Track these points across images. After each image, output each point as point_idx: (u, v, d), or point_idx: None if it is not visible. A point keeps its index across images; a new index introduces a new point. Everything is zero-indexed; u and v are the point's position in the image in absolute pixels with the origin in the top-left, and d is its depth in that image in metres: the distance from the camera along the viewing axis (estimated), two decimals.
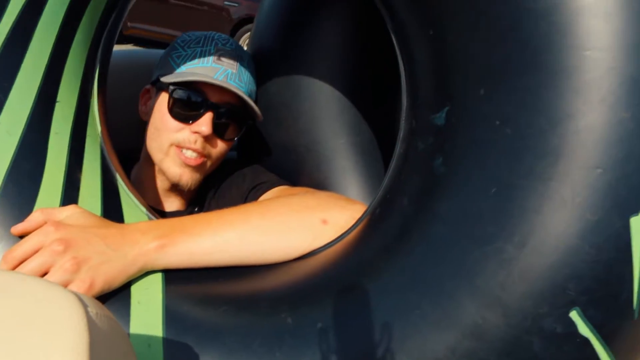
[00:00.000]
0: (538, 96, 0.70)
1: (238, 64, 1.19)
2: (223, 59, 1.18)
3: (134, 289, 0.78)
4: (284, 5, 1.34)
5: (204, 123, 1.13)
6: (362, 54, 1.30)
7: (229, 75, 1.16)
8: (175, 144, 1.15)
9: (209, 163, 1.19)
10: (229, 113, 1.17)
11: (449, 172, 0.76)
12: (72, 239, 0.76)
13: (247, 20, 7.22)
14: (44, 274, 0.74)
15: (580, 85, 0.68)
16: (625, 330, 0.69)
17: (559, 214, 0.68)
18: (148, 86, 1.25)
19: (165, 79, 1.16)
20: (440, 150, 0.77)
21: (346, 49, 1.29)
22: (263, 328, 0.76)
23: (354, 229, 0.88)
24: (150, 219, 0.89)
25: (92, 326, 0.49)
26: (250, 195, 1.19)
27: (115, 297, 0.77)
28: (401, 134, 0.85)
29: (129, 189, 0.90)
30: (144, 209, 0.90)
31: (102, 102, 0.92)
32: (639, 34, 0.67)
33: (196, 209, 1.25)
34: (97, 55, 0.91)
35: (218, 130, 1.17)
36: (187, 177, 1.17)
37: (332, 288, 0.79)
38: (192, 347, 0.76)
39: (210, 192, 1.25)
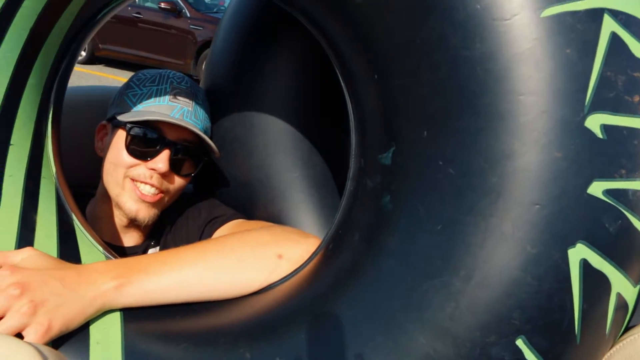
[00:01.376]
0: (477, 138, 0.74)
1: (193, 102, 1.22)
2: (179, 97, 1.20)
3: (93, 329, 0.79)
4: (237, 41, 1.36)
5: (161, 160, 1.15)
6: (314, 89, 1.34)
7: (185, 112, 1.18)
8: (131, 177, 1.16)
9: (166, 198, 1.21)
10: (186, 150, 1.19)
11: (396, 210, 0.79)
12: (28, 282, 0.76)
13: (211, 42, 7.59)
14: (0, 318, 0.74)
15: (516, 127, 0.72)
16: (569, 355, 0.74)
17: (501, 248, 0.72)
18: (104, 122, 1.26)
19: (122, 118, 1.18)
20: (388, 189, 0.81)
21: (298, 85, 1.32)
22: None
23: (309, 263, 0.91)
24: (107, 258, 0.90)
25: None
26: (206, 229, 1.21)
27: (74, 338, 0.78)
28: (351, 172, 0.89)
29: (85, 228, 0.91)
30: (101, 249, 0.91)
31: (56, 142, 0.93)
32: (568, 80, 0.72)
33: (152, 243, 1.26)
34: (51, 97, 0.92)
35: (175, 166, 1.19)
36: (144, 213, 1.18)
37: (289, 322, 0.81)
38: None
39: (166, 226, 1.27)
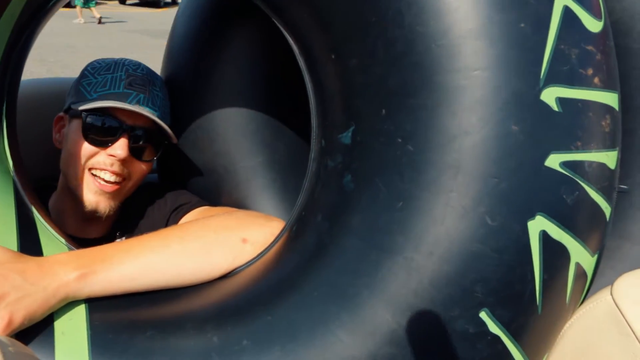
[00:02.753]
0: (434, 114, 0.75)
1: (150, 88, 1.20)
2: (134, 84, 1.18)
3: (57, 320, 0.78)
4: (195, 27, 1.35)
5: (120, 147, 1.14)
6: (274, 73, 1.33)
7: (141, 99, 1.17)
8: (90, 167, 1.15)
9: (127, 186, 1.19)
10: (144, 136, 1.18)
11: (357, 188, 0.80)
12: None
13: None
14: None
15: (472, 102, 0.73)
16: (532, 325, 0.75)
17: (462, 223, 0.73)
18: (61, 114, 1.24)
19: (77, 107, 1.16)
20: (349, 168, 0.81)
21: (258, 69, 1.32)
22: (190, 348, 0.77)
23: (273, 246, 0.91)
24: (70, 249, 0.89)
25: None
26: (171, 217, 1.20)
27: (38, 329, 0.77)
28: (312, 153, 0.89)
29: (46, 221, 0.90)
30: (63, 240, 0.90)
31: (12, 136, 0.92)
32: (522, 54, 0.73)
33: (118, 234, 1.25)
34: (4, 91, 0.90)
35: (135, 152, 1.17)
36: (104, 204, 1.17)
37: (255, 305, 0.81)
38: None
39: (132, 216, 1.25)
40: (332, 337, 0.75)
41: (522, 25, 0.73)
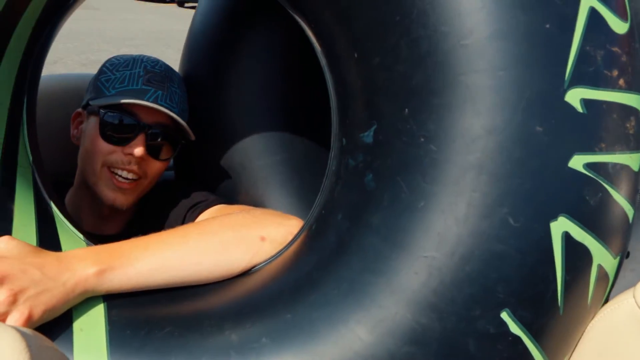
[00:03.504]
0: (458, 114, 0.75)
1: (168, 85, 1.20)
2: (152, 80, 1.18)
3: (76, 316, 0.78)
4: (214, 24, 1.35)
5: (137, 145, 1.14)
6: (293, 71, 1.33)
7: (159, 96, 1.17)
8: (108, 165, 1.15)
9: (144, 183, 1.20)
10: (162, 134, 1.18)
11: (379, 187, 0.80)
12: (6, 271, 0.75)
13: None
14: None
15: (497, 102, 0.73)
16: (553, 326, 0.75)
17: (484, 223, 0.73)
18: (79, 110, 1.24)
19: (95, 103, 1.16)
20: (370, 167, 0.81)
21: (277, 67, 1.32)
22: (208, 346, 0.77)
23: (292, 244, 0.91)
24: (88, 245, 0.89)
25: (34, 357, 0.49)
26: (188, 215, 1.20)
27: (57, 325, 0.77)
28: (332, 152, 0.89)
29: (65, 216, 0.90)
30: (81, 236, 0.89)
31: (32, 130, 0.92)
32: (547, 55, 0.73)
33: (135, 230, 1.25)
34: (25, 85, 0.90)
35: (152, 151, 1.18)
36: (121, 200, 1.17)
37: (275, 303, 0.81)
38: None
39: (149, 213, 1.26)
40: (352, 335, 0.75)
41: (548, 25, 0.73)
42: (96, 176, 1.16)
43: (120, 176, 1.15)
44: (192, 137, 1.23)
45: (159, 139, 1.18)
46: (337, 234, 0.82)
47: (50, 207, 0.88)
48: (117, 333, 0.77)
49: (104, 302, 0.80)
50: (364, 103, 0.82)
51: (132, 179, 1.16)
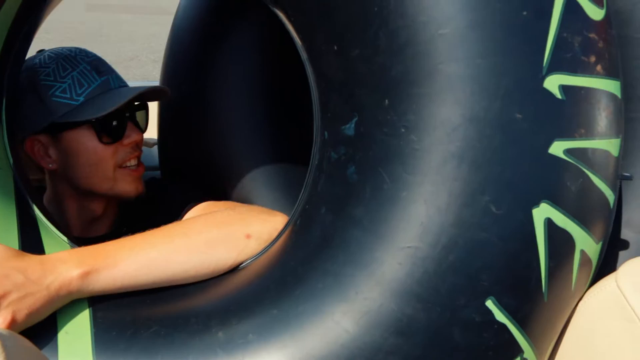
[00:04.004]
0: (437, 103, 0.74)
1: (106, 64, 1.21)
2: (101, 69, 1.18)
3: (60, 319, 0.78)
4: (198, 17, 1.36)
5: (132, 132, 1.17)
6: (276, 67, 1.33)
7: (115, 79, 1.19)
8: (119, 165, 1.17)
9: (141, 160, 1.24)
10: (142, 107, 1.22)
11: (361, 179, 0.79)
12: None
13: None
14: None
15: (476, 91, 0.73)
16: (538, 312, 0.75)
17: (467, 211, 0.73)
18: (31, 137, 1.16)
19: (79, 118, 1.12)
20: (352, 160, 0.81)
21: (260, 63, 1.32)
22: (195, 344, 0.77)
23: (277, 240, 0.90)
24: (73, 247, 0.89)
25: (10, 357, 0.49)
26: (174, 212, 1.20)
27: (41, 329, 0.77)
28: (315, 146, 0.88)
29: (47, 219, 0.89)
30: (65, 239, 0.89)
31: (12, 132, 0.91)
32: (525, 42, 0.73)
33: (124, 230, 1.24)
34: (3, 84, 0.89)
35: (140, 128, 1.22)
36: (140, 187, 1.21)
37: (260, 299, 0.81)
38: None
39: (137, 211, 1.26)
40: (338, 328, 0.75)
41: (525, 13, 0.73)
42: (111, 180, 1.17)
43: (131, 167, 1.19)
44: (168, 92, 1.25)
45: (142, 116, 1.22)
46: (321, 228, 0.82)
47: (33, 211, 0.87)
48: (102, 335, 0.77)
49: (89, 304, 0.80)
50: (345, 96, 0.82)
51: (138, 163, 1.20)
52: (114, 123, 1.14)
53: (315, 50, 0.86)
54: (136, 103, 1.20)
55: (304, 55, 0.88)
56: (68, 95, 1.13)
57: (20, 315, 0.74)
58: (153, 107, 1.33)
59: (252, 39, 1.30)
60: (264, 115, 1.31)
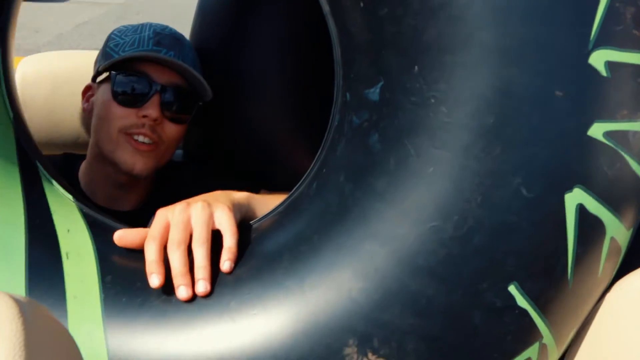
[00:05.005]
0: (472, 74, 0.69)
1: (179, 47, 1.16)
2: (163, 41, 1.14)
3: (68, 282, 0.75)
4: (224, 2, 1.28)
5: (151, 106, 1.10)
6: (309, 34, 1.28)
7: (172, 56, 1.13)
8: (124, 131, 1.11)
9: (161, 149, 1.15)
10: (177, 94, 1.14)
11: (385, 149, 0.75)
12: (188, 202, 0.82)
13: None
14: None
15: (515, 63, 0.67)
16: (561, 299, 0.72)
17: (496, 192, 0.69)
18: (89, 83, 1.23)
19: (104, 66, 1.13)
20: (376, 127, 0.76)
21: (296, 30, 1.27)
22: (207, 313, 0.75)
23: (289, 200, 0.87)
24: (78, 205, 0.85)
25: (28, 324, 0.47)
26: None
27: (50, 292, 0.75)
28: (335, 106, 0.83)
29: (51, 175, 0.85)
30: (70, 197, 0.85)
31: (11, 85, 0.85)
32: (573, 12, 0.67)
33: (151, 208, 1.21)
34: (3, 33, 0.83)
35: (167, 113, 1.13)
36: (141, 165, 1.13)
37: (274, 269, 0.78)
38: (135, 335, 0.75)
39: (169, 191, 1.20)
40: (354, 305, 0.73)
41: None
42: (113, 143, 1.12)
43: (136, 140, 1.12)
44: (210, 95, 1.18)
45: (174, 102, 1.14)
46: (339, 196, 0.78)
47: (37, 167, 0.83)
48: (111, 301, 0.75)
49: (97, 267, 0.77)
50: (371, 57, 0.76)
51: (149, 143, 1.12)
52: (135, 85, 1.11)
53: (339, 4, 0.79)
54: (171, 86, 1.13)
55: (325, 8, 0.81)
56: (117, 49, 1.15)
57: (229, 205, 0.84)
58: None
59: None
60: (303, 92, 1.25)
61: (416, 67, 0.72)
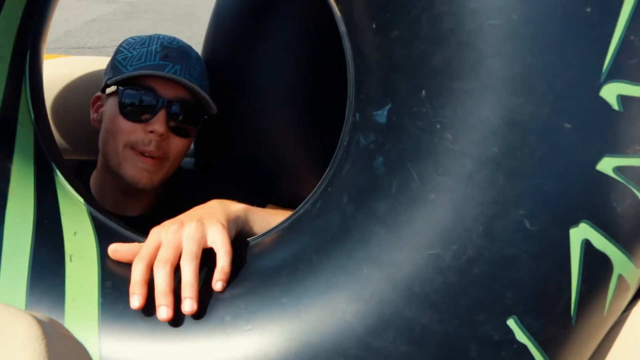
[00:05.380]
0: (479, 101, 0.68)
1: (186, 60, 1.18)
2: (170, 56, 1.16)
3: (69, 285, 0.77)
4: (237, 9, 1.29)
5: (158, 121, 1.12)
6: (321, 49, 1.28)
7: (178, 70, 1.15)
8: (130, 146, 1.13)
9: (167, 164, 1.17)
10: (183, 109, 1.15)
11: (389, 173, 0.74)
12: (181, 218, 0.82)
13: None
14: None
15: (523, 93, 0.66)
16: (563, 336, 0.70)
17: (498, 223, 0.67)
18: (98, 94, 1.24)
19: (112, 81, 1.15)
20: (381, 150, 0.75)
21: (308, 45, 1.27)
22: (202, 327, 0.75)
23: (293, 217, 0.86)
24: (88, 209, 0.86)
25: (51, 345, 0.48)
26: None
27: (49, 294, 0.76)
28: (345, 126, 0.83)
29: (67, 178, 0.87)
30: (81, 200, 0.87)
31: (36, 87, 0.88)
32: (586, 43, 0.65)
33: (160, 214, 1.23)
34: (29, 36, 0.86)
35: (173, 127, 1.15)
36: (146, 179, 1.15)
37: (271, 284, 0.77)
38: (129, 342, 0.75)
39: (177, 198, 1.23)
40: (348, 328, 0.72)
41: (589, 9, 0.64)
42: (119, 157, 1.14)
43: (143, 154, 1.13)
44: (215, 110, 1.20)
45: (180, 116, 1.15)
46: (341, 217, 0.77)
47: (52, 169, 0.85)
48: (109, 307, 0.76)
49: (99, 272, 0.78)
50: (380, 79, 0.76)
51: (156, 158, 1.14)
52: (142, 100, 1.13)
53: (353, 25, 0.79)
54: (176, 101, 1.15)
55: (342, 28, 0.81)
56: (125, 63, 1.16)
57: (223, 222, 0.82)
58: None
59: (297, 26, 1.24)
60: (314, 105, 1.25)
61: (423, 92, 0.71)
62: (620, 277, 0.69)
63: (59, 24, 6.56)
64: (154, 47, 1.17)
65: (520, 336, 0.69)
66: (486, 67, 0.67)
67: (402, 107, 0.73)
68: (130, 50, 1.18)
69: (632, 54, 0.65)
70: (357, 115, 0.80)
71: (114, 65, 1.19)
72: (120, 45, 1.22)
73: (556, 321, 0.69)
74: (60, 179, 0.86)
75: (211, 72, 1.27)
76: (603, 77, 0.65)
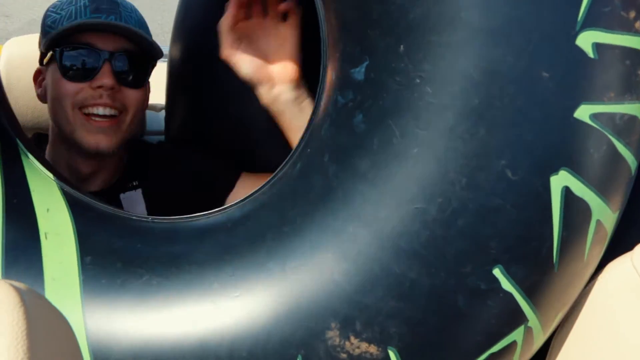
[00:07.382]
0: (458, 54, 0.68)
1: (120, 9, 1.12)
2: (101, 7, 1.10)
3: (47, 264, 0.74)
4: None
5: (104, 75, 1.07)
6: None
7: (113, 20, 1.10)
8: (79, 106, 1.07)
9: (126, 119, 1.12)
10: (128, 59, 1.10)
11: (369, 130, 0.74)
12: None
13: None
14: None
15: (501, 44, 0.66)
16: (547, 283, 0.72)
17: (481, 175, 0.68)
18: (38, 67, 1.19)
19: (47, 45, 1.10)
20: (360, 107, 0.75)
21: None
22: (189, 295, 0.74)
23: (274, 180, 0.86)
24: (59, 185, 0.83)
25: (29, 313, 0.47)
26: (203, 181, 1.16)
27: (27, 274, 0.73)
28: (320, 86, 0.82)
29: (34, 155, 0.83)
30: (51, 175, 0.84)
31: None
32: None
33: (135, 183, 1.17)
34: None
35: (122, 80, 1.10)
36: (105, 142, 1.09)
37: (257, 249, 0.77)
38: (115, 316, 0.74)
39: (141, 171, 1.19)
40: (338, 288, 0.72)
41: None
42: (71, 123, 1.08)
43: (96, 115, 1.07)
44: (162, 54, 1.16)
45: (127, 66, 1.10)
46: (323, 177, 0.77)
47: (17, 145, 0.82)
48: (91, 282, 0.74)
49: (77, 248, 0.76)
50: (357, 35, 0.75)
51: (111, 115, 1.08)
52: (83, 58, 1.07)
53: None
54: (120, 52, 1.09)
55: None
56: (55, 25, 1.10)
57: None
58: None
59: None
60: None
61: (402, 47, 0.71)
62: (598, 222, 0.72)
63: (22, 13, 6.35)
64: (82, 2, 1.11)
65: (506, 284, 0.70)
66: (464, 19, 0.67)
67: (380, 64, 0.73)
68: (58, 11, 1.12)
69: (606, 1, 0.66)
70: (333, 74, 0.79)
71: (44, 31, 1.13)
72: (48, 10, 1.15)
73: (539, 268, 0.71)
74: (27, 155, 0.82)
75: (184, 42, 1.24)
76: (578, 26, 0.66)
